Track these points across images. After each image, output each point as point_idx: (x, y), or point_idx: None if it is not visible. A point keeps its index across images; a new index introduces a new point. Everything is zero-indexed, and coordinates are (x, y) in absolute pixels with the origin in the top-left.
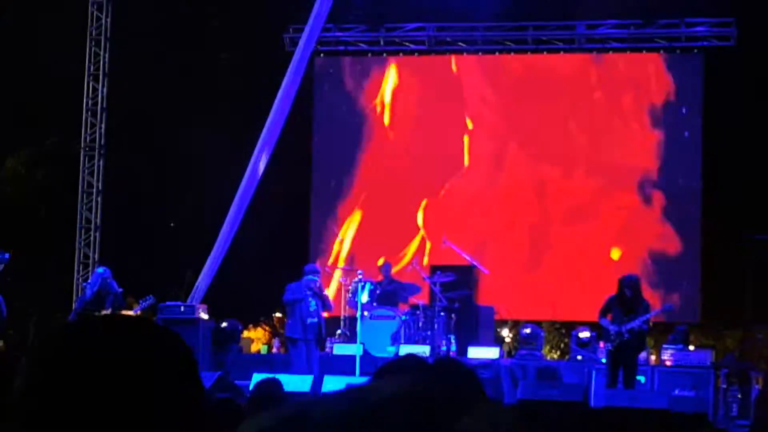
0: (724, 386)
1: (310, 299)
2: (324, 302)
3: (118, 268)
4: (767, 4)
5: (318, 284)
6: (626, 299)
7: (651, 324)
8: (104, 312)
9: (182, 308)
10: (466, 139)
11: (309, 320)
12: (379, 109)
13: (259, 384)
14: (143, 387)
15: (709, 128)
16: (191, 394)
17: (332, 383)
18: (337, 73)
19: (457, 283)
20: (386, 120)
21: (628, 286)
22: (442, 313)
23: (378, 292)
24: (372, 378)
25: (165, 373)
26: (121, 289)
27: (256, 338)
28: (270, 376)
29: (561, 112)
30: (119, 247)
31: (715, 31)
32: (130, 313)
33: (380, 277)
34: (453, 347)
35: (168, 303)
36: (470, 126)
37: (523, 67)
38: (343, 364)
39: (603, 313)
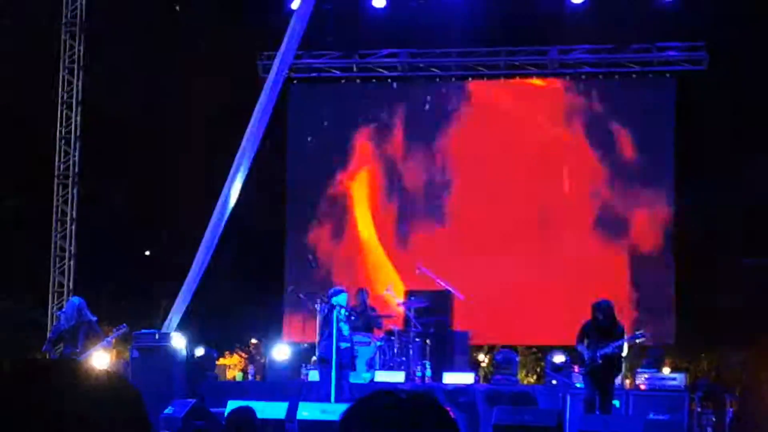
0: (699, 409)
1: (341, 323)
2: (366, 322)
3: (93, 297)
4: (737, 29)
5: (344, 306)
6: (600, 324)
7: (627, 349)
8: (79, 341)
9: (157, 336)
10: (442, 166)
11: (342, 344)
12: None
13: (232, 412)
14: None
15: (681, 153)
16: None
17: (307, 409)
18: (312, 100)
19: (431, 309)
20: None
21: (601, 311)
22: (417, 339)
23: (353, 318)
24: (344, 416)
25: (99, 420)
26: (95, 318)
27: (232, 365)
28: (244, 404)
29: (536, 140)
30: (94, 276)
31: (687, 56)
32: (102, 344)
33: (354, 303)
34: (428, 373)
35: (143, 331)
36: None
37: (497, 94)
38: (319, 391)
39: (579, 338)
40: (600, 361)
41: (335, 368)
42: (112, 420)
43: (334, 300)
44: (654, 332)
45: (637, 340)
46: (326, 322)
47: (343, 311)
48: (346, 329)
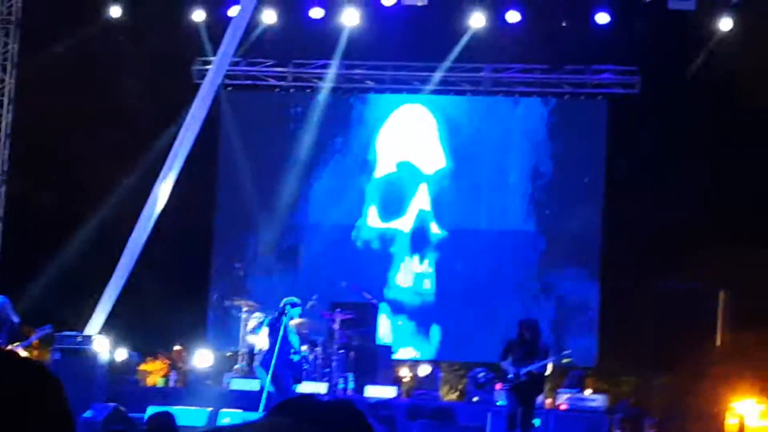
0: (618, 431)
1: (291, 335)
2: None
3: (17, 297)
4: (670, 54)
5: (295, 318)
6: (526, 341)
7: (550, 369)
8: (0, 340)
9: (79, 338)
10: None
11: (294, 357)
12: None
13: (152, 417)
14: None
15: (612, 175)
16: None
17: (228, 418)
18: (244, 107)
19: (356, 321)
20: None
21: (528, 328)
22: (340, 351)
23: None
24: (264, 416)
25: (19, 411)
26: (18, 320)
27: (154, 371)
28: (164, 409)
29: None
30: (18, 275)
31: (620, 79)
32: (23, 344)
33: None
34: (351, 385)
35: (65, 333)
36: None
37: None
38: (241, 399)
39: (503, 355)
40: (524, 378)
41: (285, 381)
42: (31, 411)
43: (288, 311)
44: (576, 353)
45: (564, 360)
46: (274, 332)
47: (266, 320)
48: (296, 341)
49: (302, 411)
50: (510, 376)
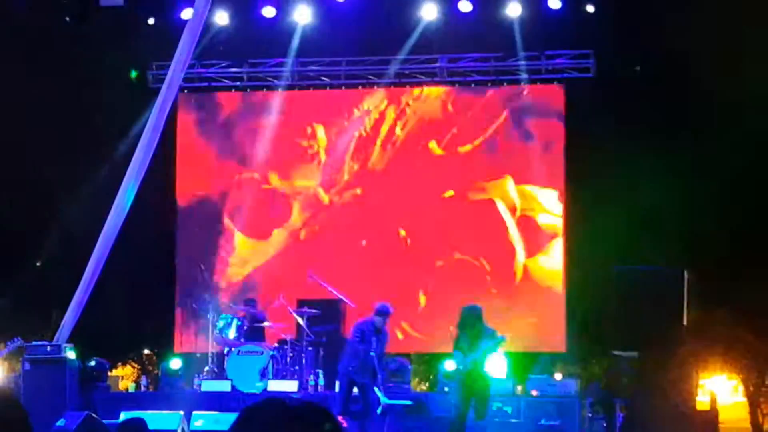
0: (590, 415)
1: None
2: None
3: None
4: (624, 36)
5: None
6: (469, 329)
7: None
8: None
9: (48, 348)
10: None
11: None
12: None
13: (123, 424)
14: None
15: (571, 159)
16: None
17: (201, 420)
18: (201, 110)
19: (323, 318)
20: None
21: (468, 316)
22: (309, 348)
23: (245, 327)
24: (234, 425)
25: None
26: None
27: (125, 376)
28: (135, 415)
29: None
30: None
31: (575, 63)
32: None
33: (242, 314)
34: (321, 381)
35: (34, 343)
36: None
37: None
38: (212, 401)
39: (455, 344)
40: (470, 366)
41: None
42: None
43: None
44: (545, 339)
45: (500, 346)
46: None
47: (235, 320)
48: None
49: (273, 417)
50: (459, 367)
